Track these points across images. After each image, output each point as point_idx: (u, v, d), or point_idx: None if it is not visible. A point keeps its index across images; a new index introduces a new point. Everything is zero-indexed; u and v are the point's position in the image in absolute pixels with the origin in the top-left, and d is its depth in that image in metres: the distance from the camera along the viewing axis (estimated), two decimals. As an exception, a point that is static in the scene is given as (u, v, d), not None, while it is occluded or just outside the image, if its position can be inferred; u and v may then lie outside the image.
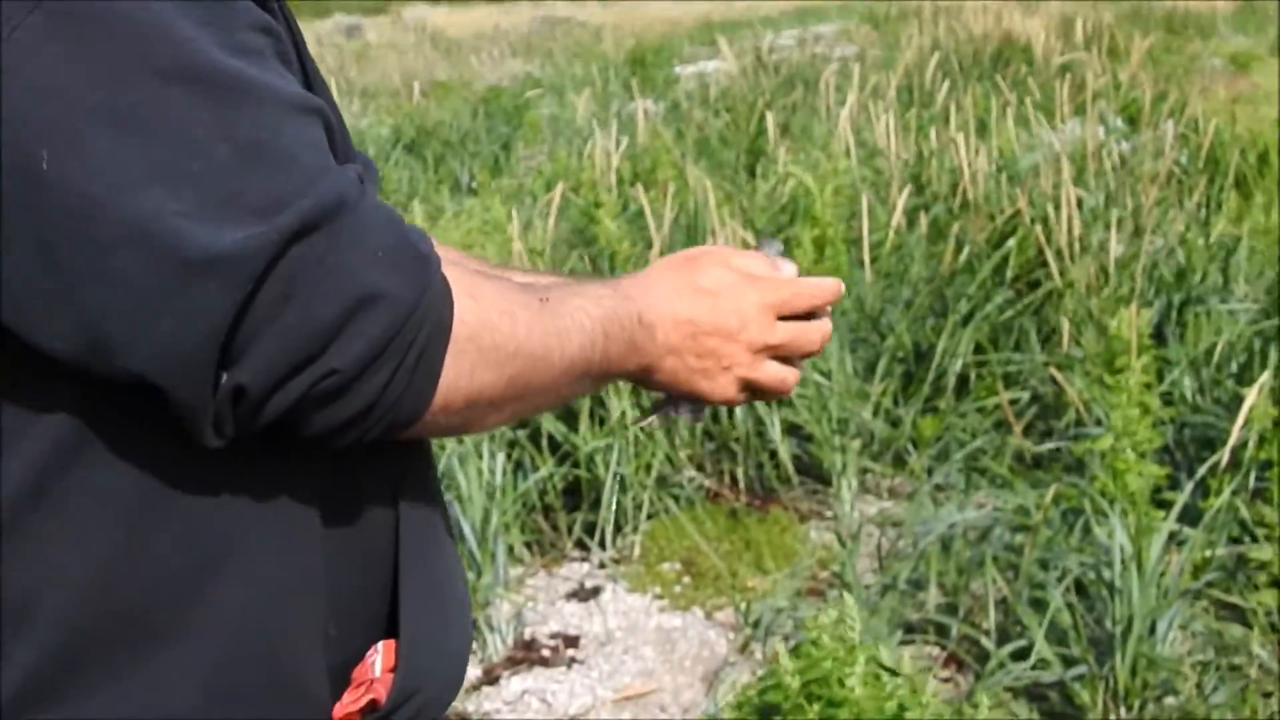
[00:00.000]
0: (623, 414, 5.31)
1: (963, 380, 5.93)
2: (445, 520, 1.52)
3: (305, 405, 1.17)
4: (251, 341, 1.13)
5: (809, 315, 1.58)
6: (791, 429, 5.66)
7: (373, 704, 1.34)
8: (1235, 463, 4.42)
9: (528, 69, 21.61)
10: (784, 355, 1.58)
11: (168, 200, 1.10)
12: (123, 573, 1.22)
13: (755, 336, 1.53)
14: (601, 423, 5.37)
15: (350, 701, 1.34)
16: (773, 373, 1.57)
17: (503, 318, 1.30)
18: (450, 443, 4.86)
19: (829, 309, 1.61)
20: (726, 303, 1.52)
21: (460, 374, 1.26)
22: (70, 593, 1.21)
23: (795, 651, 3.23)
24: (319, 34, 35.83)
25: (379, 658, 1.37)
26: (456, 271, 1.29)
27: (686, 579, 5.08)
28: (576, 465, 5.31)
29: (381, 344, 1.17)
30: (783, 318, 1.56)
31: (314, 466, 1.30)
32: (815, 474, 5.67)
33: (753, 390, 1.58)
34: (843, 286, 1.61)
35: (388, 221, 1.22)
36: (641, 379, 1.55)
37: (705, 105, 12.82)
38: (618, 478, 5.25)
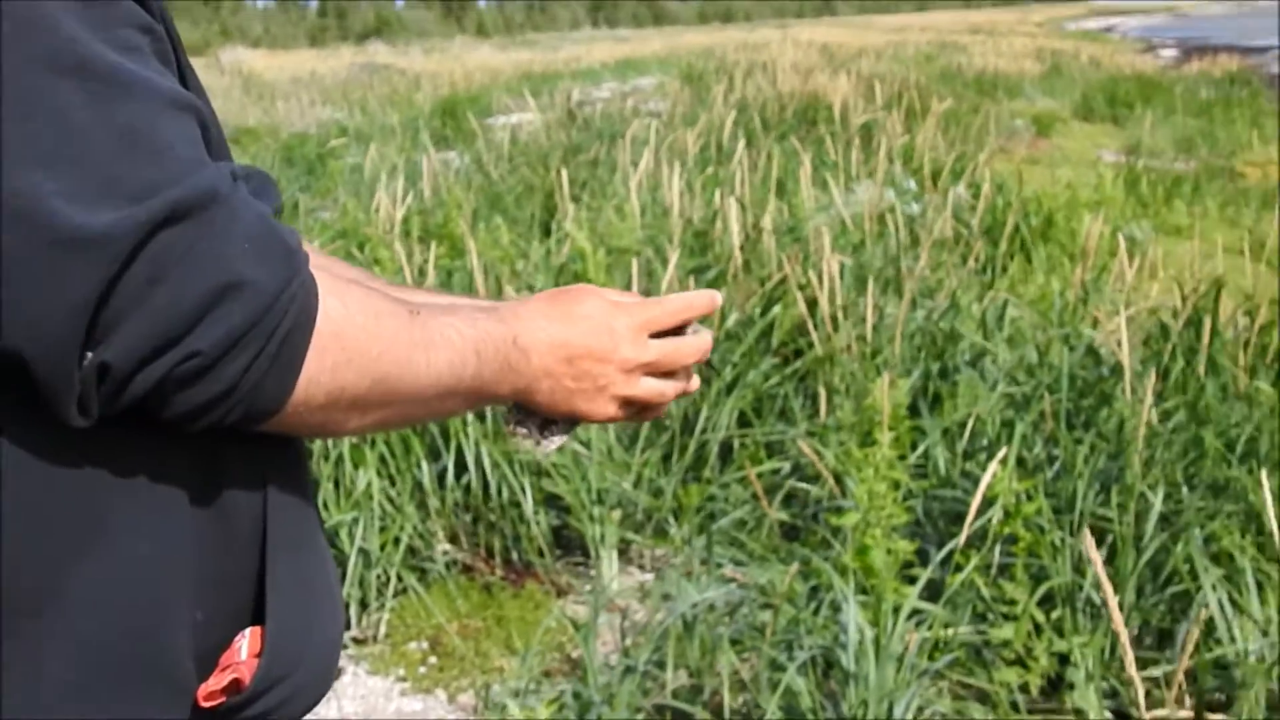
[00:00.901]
0: (368, 485, 5.13)
1: (727, 449, 5.83)
2: (317, 516, 1.56)
3: (167, 386, 1.22)
4: (118, 322, 1.17)
5: (682, 330, 1.66)
6: (550, 499, 5.51)
7: (236, 684, 1.38)
8: (983, 537, 4.36)
9: (337, 116, 21.35)
10: (664, 371, 1.65)
11: (45, 181, 1.14)
12: None
13: (628, 355, 1.60)
14: (347, 494, 5.18)
15: (214, 682, 1.37)
16: (649, 388, 1.64)
17: (368, 320, 1.35)
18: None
19: (704, 324, 1.71)
20: (599, 325, 1.58)
21: (322, 369, 1.31)
22: None
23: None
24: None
25: (245, 643, 1.40)
26: (327, 274, 1.35)
27: (433, 659, 4.90)
28: (321, 538, 5.10)
29: (243, 329, 1.22)
30: (657, 335, 1.63)
31: (185, 451, 1.32)
32: (576, 546, 5.54)
33: (632, 407, 1.65)
34: (717, 297, 1.70)
35: (257, 216, 1.27)
36: (520, 401, 1.59)
37: (504, 159, 12.69)
38: (363, 553, 5.06)
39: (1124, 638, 2.34)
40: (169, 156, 1.21)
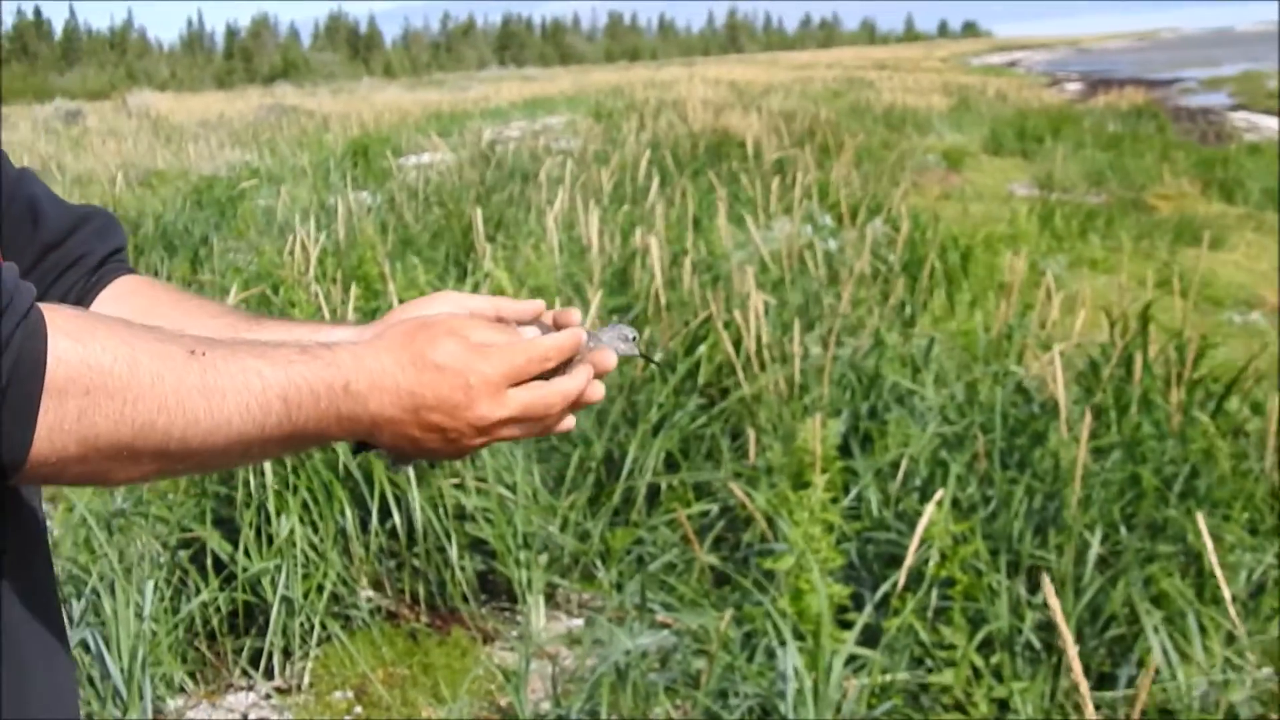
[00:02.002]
0: (291, 531, 5.01)
1: (654, 490, 5.75)
2: (19, 640, 1.41)
3: None
4: None
5: (554, 371, 1.56)
6: (475, 544, 5.41)
7: None
8: (919, 580, 4.30)
9: (247, 158, 21.16)
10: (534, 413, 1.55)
11: None
12: None
13: (484, 413, 1.50)
14: (269, 541, 5.06)
15: None
16: (510, 435, 1.54)
17: (117, 363, 1.26)
18: (96, 567, 4.52)
19: (581, 361, 1.59)
20: (454, 379, 1.47)
21: (64, 417, 1.22)
22: None
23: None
24: (38, 118, 35.07)
25: None
26: (70, 313, 1.27)
27: (359, 709, 4.79)
28: (241, 588, 4.98)
29: None
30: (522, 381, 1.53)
31: None
32: (502, 591, 5.44)
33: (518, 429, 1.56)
34: (582, 335, 1.59)
35: None
36: (365, 440, 1.50)
37: (417, 199, 12.58)
38: (285, 601, 4.94)
39: (1084, 688, 2.27)
40: None
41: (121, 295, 1.72)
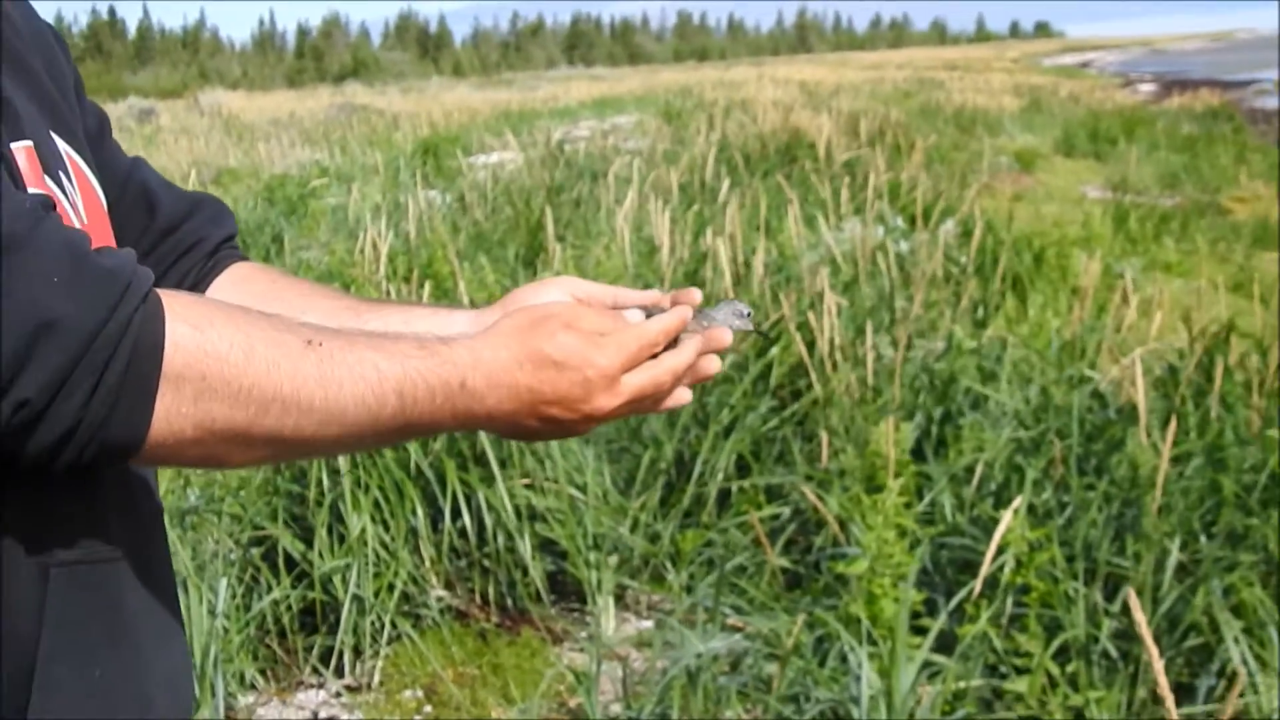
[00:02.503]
0: (362, 530, 5.01)
1: (725, 493, 5.73)
2: (140, 620, 1.46)
3: (8, 439, 1.19)
4: None
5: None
6: (545, 544, 5.40)
7: None
8: (995, 587, 4.25)
9: (317, 157, 21.26)
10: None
11: None
12: None
13: (601, 404, 1.51)
14: (341, 539, 5.06)
15: None
16: (624, 415, 1.57)
17: (234, 351, 1.28)
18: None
19: (690, 336, 1.60)
20: (572, 374, 1.49)
21: (181, 400, 1.25)
22: None
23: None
24: (112, 117, 35.32)
25: None
26: (189, 300, 1.31)
27: (428, 708, 4.79)
28: (313, 586, 4.98)
29: (66, 369, 1.18)
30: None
31: None
32: (571, 591, 5.43)
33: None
34: (687, 312, 1.60)
35: (64, 246, 1.21)
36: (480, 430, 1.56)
37: (487, 198, 12.60)
38: (356, 599, 4.94)
39: (1169, 702, 2.24)
40: None
41: (238, 281, 1.76)
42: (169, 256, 1.73)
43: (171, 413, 1.25)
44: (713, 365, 1.63)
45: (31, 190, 1.34)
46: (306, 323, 1.44)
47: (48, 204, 1.27)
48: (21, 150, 1.38)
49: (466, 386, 1.44)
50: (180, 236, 1.75)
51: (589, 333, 1.51)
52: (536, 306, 1.55)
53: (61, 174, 1.46)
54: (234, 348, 1.29)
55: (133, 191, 1.72)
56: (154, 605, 1.49)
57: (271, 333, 1.34)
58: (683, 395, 1.62)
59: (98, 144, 1.69)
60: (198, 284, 1.74)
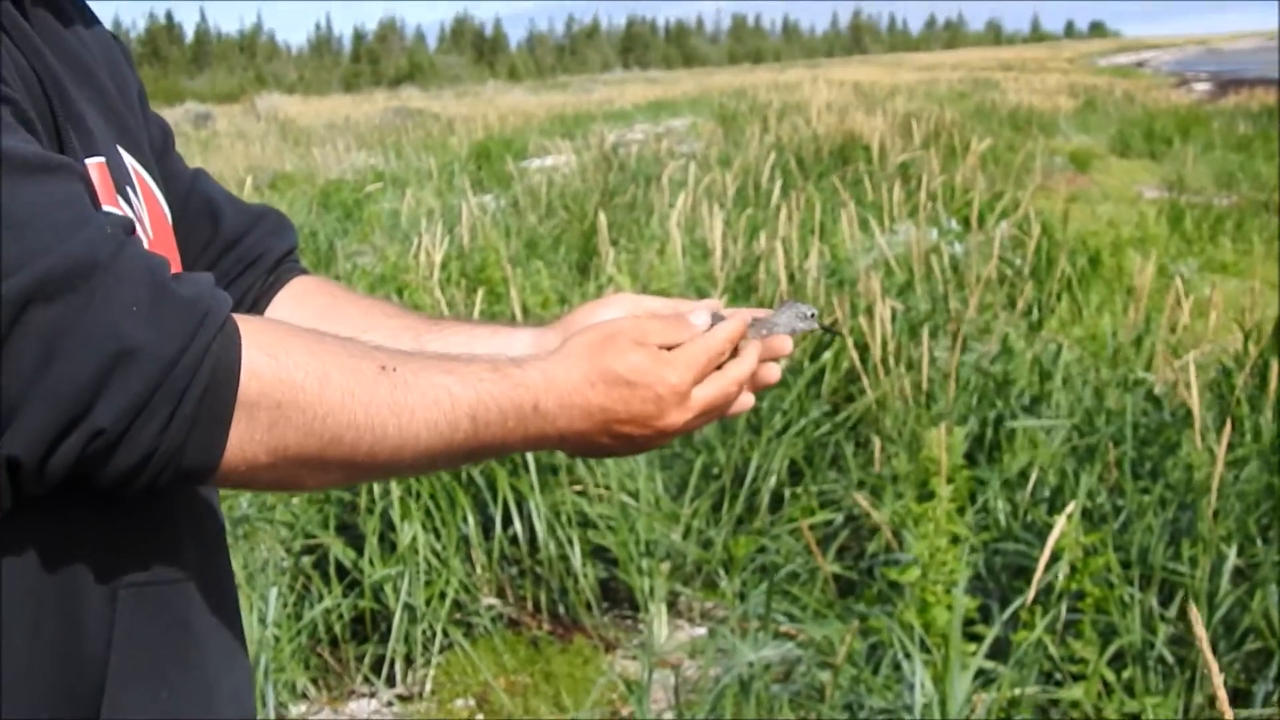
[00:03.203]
0: (413, 538, 5.01)
1: (777, 498, 5.70)
2: (206, 640, 1.48)
3: (84, 465, 1.19)
4: (16, 409, 1.14)
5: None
6: (597, 551, 5.39)
7: None
8: (1049, 593, 4.21)
9: (372, 162, 21.31)
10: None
11: None
12: None
13: (673, 420, 1.52)
14: (392, 548, 5.06)
15: None
16: (694, 427, 1.58)
17: (309, 378, 1.29)
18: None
19: (749, 343, 1.60)
20: (644, 392, 1.49)
21: (255, 427, 1.26)
22: None
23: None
24: (169, 122, 35.57)
25: None
26: (264, 326, 1.32)
27: (480, 717, 4.78)
28: (364, 595, 4.98)
29: (144, 397, 1.18)
30: None
31: (24, 555, 1.27)
32: (623, 599, 5.42)
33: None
34: (748, 316, 1.62)
35: (146, 272, 1.22)
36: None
37: (540, 202, 12.60)
38: (408, 608, 4.94)
39: (1228, 714, 2.20)
40: (34, 227, 1.17)
41: (300, 296, 1.78)
42: (232, 271, 1.74)
43: (246, 440, 1.27)
44: (773, 374, 1.65)
45: (106, 208, 1.34)
46: (380, 347, 1.44)
47: (128, 226, 1.27)
48: (95, 167, 1.38)
49: (539, 409, 1.45)
50: (243, 250, 1.76)
51: (658, 349, 1.52)
52: (604, 324, 1.55)
53: (129, 189, 1.47)
54: (309, 375, 1.30)
55: (195, 205, 1.73)
56: (219, 625, 1.50)
57: (346, 359, 1.35)
58: (746, 401, 1.62)
59: (162, 157, 1.70)
60: (260, 298, 1.76)
